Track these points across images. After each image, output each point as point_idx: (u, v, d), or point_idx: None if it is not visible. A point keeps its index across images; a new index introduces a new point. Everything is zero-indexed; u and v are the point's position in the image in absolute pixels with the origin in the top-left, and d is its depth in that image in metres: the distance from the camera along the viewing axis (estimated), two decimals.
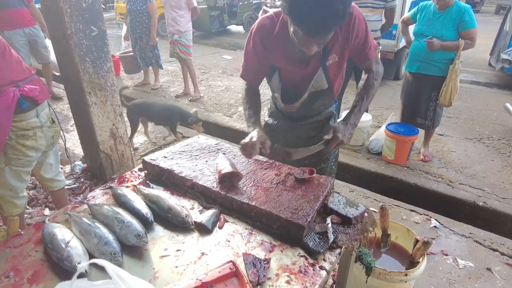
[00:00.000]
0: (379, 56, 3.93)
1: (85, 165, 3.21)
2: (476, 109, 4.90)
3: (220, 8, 10.51)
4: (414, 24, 3.23)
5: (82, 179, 3.10)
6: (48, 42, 4.68)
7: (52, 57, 4.48)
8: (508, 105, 4.03)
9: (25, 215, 2.59)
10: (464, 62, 5.69)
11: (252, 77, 1.56)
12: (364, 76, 1.51)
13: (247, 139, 1.30)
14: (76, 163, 3.27)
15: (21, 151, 1.88)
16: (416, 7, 3.19)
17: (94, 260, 0.62)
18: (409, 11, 3.92)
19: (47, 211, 2.70)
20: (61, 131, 2.23)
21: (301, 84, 1.46)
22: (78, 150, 3.60)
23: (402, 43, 5.42)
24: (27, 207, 2.76)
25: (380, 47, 3.80)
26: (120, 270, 0.59)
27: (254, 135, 1.32)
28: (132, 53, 5.57)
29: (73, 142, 3.84)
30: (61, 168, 3.26)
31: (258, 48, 1.42)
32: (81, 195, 2.60)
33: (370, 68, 1.48)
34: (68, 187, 2.98)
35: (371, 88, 1.45)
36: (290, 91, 1.52)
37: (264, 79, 1.59)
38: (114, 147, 2.93)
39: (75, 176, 3.14)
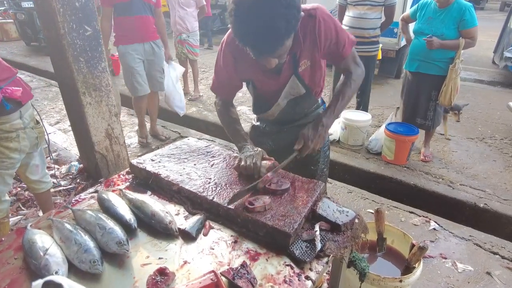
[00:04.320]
0: (380, 55, 3.91)
1: (81, 165, 3.20)
2: (479, 108, 4.83)
3: (221, 7, 10.48)
4: (415, 22, 3.17)
5: (78, 180, 3.08)
6: (170, 70, 3.81)
7: (166, 84, 3.76)
8: (511, 104, 3.96)
9: (17, 217, 2.58)
10: (468, 60, 5.60)
11: (224, 92, 1.53)
12: (341, 77, 1.44)
13: (244, 161, 1.26)
14: (72, 163, 3.25)
15: (5, 154, 1.85)
16: (416, 4, 3.13)
17: (49, 277, 0.59)
18: (411, 7, 3.85)
19: (41, 213, 2.68)
20: (46, 132, 2.19)
21: (276, 93, 1.44)
22: (75, 150, 3.59)
23: (404, 41, 5.36)
24: (22, 208, 2.75)
25: (381, 45, 3.75)
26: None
27: (248, 154, 1.29)
28: None
29: (70, 142, 3.83)
30: (57, 168, 3.26)
31: (228, 60, 1.39)
32: (67, 200, 2.58)
33: (348, 68, 1.40)
34: (64, 187, 2.97)
35: (348, 89, 1.37)
36: (264, 100, 1.50)
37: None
38: (110, 147, 2.91)
39: (71, 176, 3.13)
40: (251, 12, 1.03)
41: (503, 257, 2.25)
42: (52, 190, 2.91)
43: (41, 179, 2.24)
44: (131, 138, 3.94)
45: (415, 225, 2.56)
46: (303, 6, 1.22)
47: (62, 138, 3.93)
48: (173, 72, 3.83)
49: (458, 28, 2.82)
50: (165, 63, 3.72)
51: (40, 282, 0.55)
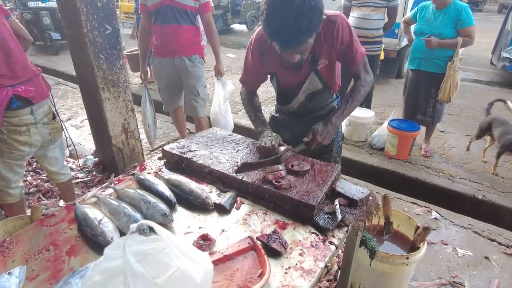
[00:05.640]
0: (382, 55, 4.06)
1: (96, 159, 3.32)
2: (478, 107, 4.98)
3: (224, 7, 10.62)
4: (415, 24, 3.32)
5: (94, 173, 3.21)
6: (218, 88, 3.28)
7: (213, 105, 3.32)
8: (509, 103, 4.03)
9: (42, 206, 2.71)
10: (466, 60, 5.70)
11: (251, 83, 1.73)
12: (352, 82, 1.59)
13: (264, 143, 1.42)
14: (88, 157, 3.38)
15: (13, 146, 1.94)
16: (416, 7, 3.30)
17: (145, 221, 0.72)
18: (411, 9, 4.01)
19: (61, 203, 2.81)
20: (64, 127, 2.28)
21: (296, 87, 1.61)
22: (89, 145, 3.72)
23: (405, 41, 5.50)
24: (43, 198, 2.88)
25: (383, 45, 3.89)
26: (165, 230, 0.70)
27: (267, 138, 1.45)
28: (138, 52, 5.66)
29: (83, 137, 3.96)
30: (73, 162, 3.39)
31: (256, 56, 1.57)
32: (106, 182, 2.71)
33: (358, 74, 1.53)
34: (81, 180, 3.10)
35: (357, 94, 1.51)
36: (287, 94, 1.68)
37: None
38: (126, 141, 3.04)
39: (87, 169, 3.25)
40: (279, 11, 1.19)
41: (500, 244, 2.39)
42: None
43: (59, 170, 2.35)
44: (143, 134, 4.06)
45: (417, 214, 2.70)
46: (326, 12, 1.38)
47: (75, 134, 4.06)
48: (220, 91, 3.26)
49: (456, 27, 2.98)
50: (217, 80, 3.27)
51: (135, 225, 0.68)
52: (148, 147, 3.82)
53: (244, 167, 1.32)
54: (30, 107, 1.94)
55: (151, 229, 0.72)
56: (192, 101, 3.09)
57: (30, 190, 2.92)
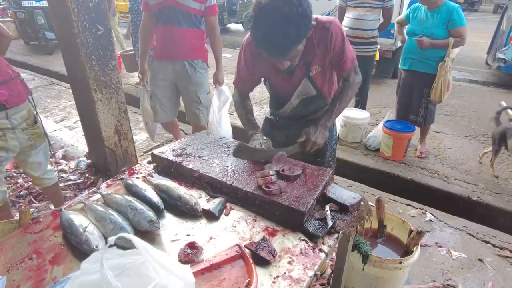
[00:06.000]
0: (377, 55, 4.05)
1: (89, 161, 3.29)
2: (473, 107, 4.99)
3: (220, 7, 10.57)
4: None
5: (87, 175, 3.17)
6: (214, 98, 3.05)
7: (213, 117, 3.06)
8: (509, 110, 3.88)
9: (33, 210, 2.67)
10: (462, 60, 5.67)
11: (244, 86, 1.70)
12: (340, 84, 1.61)
13: (254, 146, 1.45)
14: (80, 159, 3.34)
15: None
16: (409, 8, 3.30)
17: (123, 234, 0.70)
18: (407, 9, 4.00)
19: (53, 206, 2.77)
20: (45, 133, 2.21)
21: (289, 92, 1.59)
22: (82, 146, 3.68)
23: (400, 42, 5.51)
24: (34, 201, 2.84)
25: (378, 46, 3.88)
26: (144, 243, 0.67)
27: (257, 141, 1.46)
28: (133, 52, 5.63)
29: (76, 138, 3.92)
30: (66, 164, 3.35)
31: (248, 60, 1.56)
32: (94, 187, 2.66)
33: (347, 78, 1.56)
34: (73, 182, 3.07)
35: (345, 96, 1.54)
36: (280, 98, 1.66)
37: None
38: (119, 143, 3.00)
39: (80, 171, 3.22)
40: (267, 19, 1.17)
41: (494, 246, 2.39)
42: (62, 184, 3.01)
43: (42, 175, 2.27)
44: (136, 135, 4.04)
45: (412, 216, 2.69)
46: (319, 18, 1.36)
47: (69, 135, 4.02)
48: (215, 100, 3.07)
49: (448, 28, 2.98)
50: (214, 89, 3.06)
51: (113, 238, 0.66)
52: (142, 148, 3.80)
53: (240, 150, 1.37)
54: (5, 112, 1.89)
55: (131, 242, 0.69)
56: (194, 108, 2.90)
57: (21, 193, 2.88)
